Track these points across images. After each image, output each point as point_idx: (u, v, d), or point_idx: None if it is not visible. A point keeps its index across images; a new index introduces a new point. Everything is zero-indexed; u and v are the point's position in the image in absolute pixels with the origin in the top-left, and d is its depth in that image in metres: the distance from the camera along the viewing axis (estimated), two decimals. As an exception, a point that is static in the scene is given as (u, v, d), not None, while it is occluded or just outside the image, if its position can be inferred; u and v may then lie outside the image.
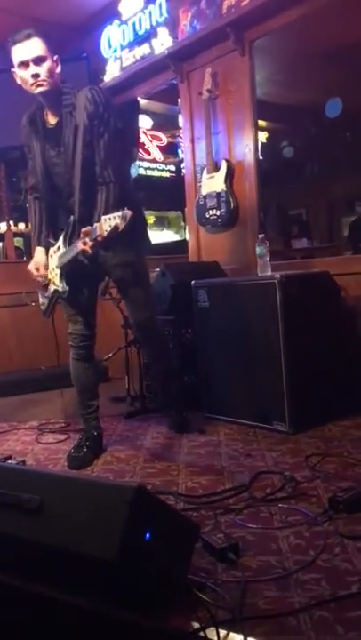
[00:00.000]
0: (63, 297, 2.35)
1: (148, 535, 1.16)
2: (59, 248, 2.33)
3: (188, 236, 4.07)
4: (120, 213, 1.93)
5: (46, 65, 2.13)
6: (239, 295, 2.79)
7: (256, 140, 3.52)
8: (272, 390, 2.56)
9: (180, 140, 4.18)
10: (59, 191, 2.32)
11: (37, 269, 2.40)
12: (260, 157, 3.63)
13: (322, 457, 2.16)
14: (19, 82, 2.21)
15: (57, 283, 2.32)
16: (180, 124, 4.09)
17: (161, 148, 7.69)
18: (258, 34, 3.36)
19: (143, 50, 4.06)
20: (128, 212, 1.92)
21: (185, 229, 4.48)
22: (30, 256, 2.50)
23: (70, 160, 2.22)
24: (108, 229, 1.95)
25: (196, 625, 1.16)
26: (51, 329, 4.64)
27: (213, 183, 3.53)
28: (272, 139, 6.96)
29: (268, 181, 3.98)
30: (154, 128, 7.45)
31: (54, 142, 2.26)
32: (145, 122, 7.03)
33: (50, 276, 2.39)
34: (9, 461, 2.34)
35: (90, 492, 1.25)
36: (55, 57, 2.17)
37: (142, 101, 5.07)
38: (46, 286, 2.43)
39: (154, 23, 3.92)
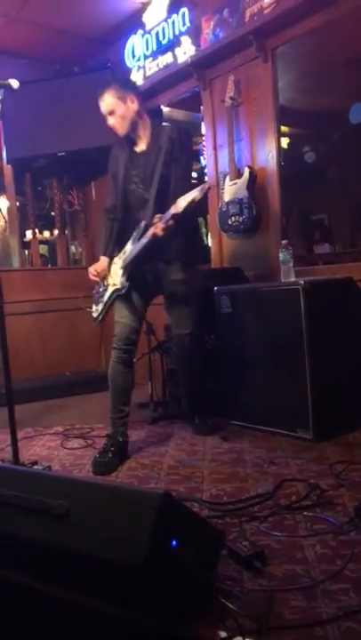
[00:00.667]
0: (121, 293, 2.53)
1: (174, 542, 1.17)
2: (124, 253, 2.53)
3: (210, 243, 4.07)
4: (199, 187, 2.20)
5: (119, 114, 2.48)
6: (262, 301, 2.79)
7: (279, 146, 3.51)
8: (296, 397, 2.55)
9: (203, 147, 4.20)
10: (131, 207, 2.58)
11: (97, 269, 2.60)
12: (282, 163, 3.62)
13: (347, 465, 2.14)
14: None
15: (117, 281, 2.52)
16: (203, 132, 4.11)
17: (183, 155, 7.72)
18: (280, 41, 3.36)
19: (166, 59, 4.09)
20: (207, 185, 2.24)
21: (207, 236, 4.49)
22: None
23: (149, 176, 2.51)
24: (185, 204, 2.21)
25: (223, 634, 1.16)
26: (73, 336, 4.72)
27: (236, 190, 3.54)
28: (294, 144, 6.92)
29: (290, 187, 3.96)
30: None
31: (137, 164, 2.57)
32: (167, 129, 7.07)
33: (110, 280, 2.58)
34: (35, 467, 2.37)
35: (116, 499, 1.26)
36: (129, 97, 2.47)
37: (164, 109, 5.10)
38: (103, 292, 2.61)
39: (177, 32, 3.94)
